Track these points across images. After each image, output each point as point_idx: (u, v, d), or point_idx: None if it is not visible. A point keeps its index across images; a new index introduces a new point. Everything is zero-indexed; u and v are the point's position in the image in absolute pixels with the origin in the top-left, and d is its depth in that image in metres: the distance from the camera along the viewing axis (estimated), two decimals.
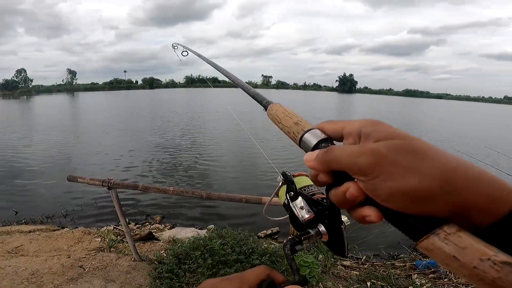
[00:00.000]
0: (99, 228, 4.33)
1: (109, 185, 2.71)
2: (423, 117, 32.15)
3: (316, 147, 0.35)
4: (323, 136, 0.35)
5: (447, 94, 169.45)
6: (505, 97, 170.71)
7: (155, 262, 3.08)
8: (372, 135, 0.29)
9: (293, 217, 0.41)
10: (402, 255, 3.81)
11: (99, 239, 3.72)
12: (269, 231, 4.55)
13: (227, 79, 0.74)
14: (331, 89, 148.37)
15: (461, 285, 2.80)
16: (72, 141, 12.50)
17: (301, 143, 0.37)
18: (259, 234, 4.46)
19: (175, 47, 1.53)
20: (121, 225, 3.24)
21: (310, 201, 0.41)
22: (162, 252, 3.41)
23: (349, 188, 0.29)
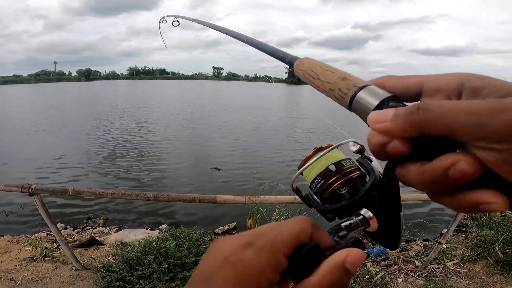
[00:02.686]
0: (29, 236, 3.78)
1: (30, 191, 2.30)
2: None
3: (379, 107, 0.25)
4: (387, 94, 0.26)
5: None
6: None
7: (102, 270, 2.80)
8: (488, 90, 0.21)
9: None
10: None
11: (30, 248, 3.27)
12: (226, 227, 4.38)
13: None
14: (281, 81, 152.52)
15: (409, 272, 3.04)
16: None
17: (353, 103, 0.28)
18: (216, 230, 4.28)
19: (163, 22, 1.40)
20: None
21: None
22: (109, 258, 3.12)
23: (459, 162, 0.20)
